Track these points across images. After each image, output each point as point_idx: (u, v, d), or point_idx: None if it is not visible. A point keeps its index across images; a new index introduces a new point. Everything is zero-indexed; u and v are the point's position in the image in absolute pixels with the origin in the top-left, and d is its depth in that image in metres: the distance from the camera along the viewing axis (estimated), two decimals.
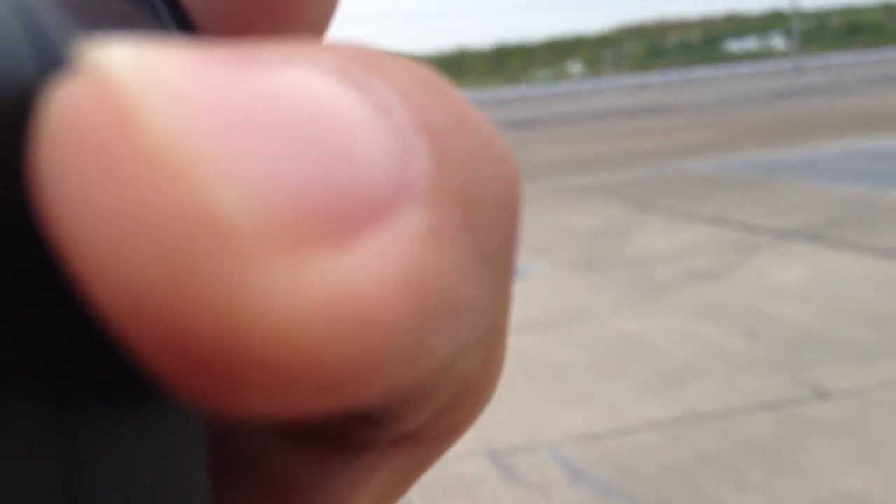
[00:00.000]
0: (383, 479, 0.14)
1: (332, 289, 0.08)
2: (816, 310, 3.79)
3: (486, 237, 0.10)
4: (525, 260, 5.27)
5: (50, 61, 0.09)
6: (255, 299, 0.08)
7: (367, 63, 0.09)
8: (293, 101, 0.08)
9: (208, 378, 0.08)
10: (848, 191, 6.64)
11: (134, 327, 0.08)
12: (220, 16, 0.17)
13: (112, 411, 0.09)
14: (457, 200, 0.09)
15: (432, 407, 0.12)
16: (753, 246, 5.10)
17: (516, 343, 3.65)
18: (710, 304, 4.01)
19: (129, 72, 0.08)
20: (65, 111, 0.08)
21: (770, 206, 6.31)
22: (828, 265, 4.50)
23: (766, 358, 3.29)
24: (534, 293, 4.49)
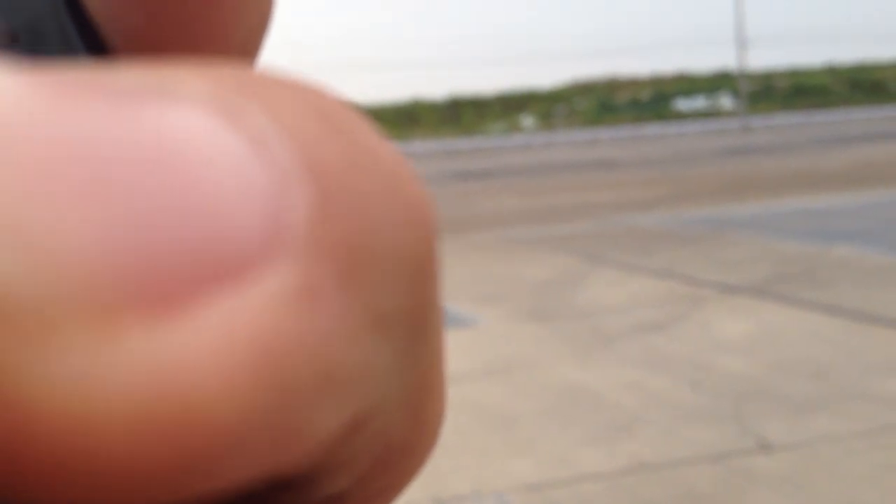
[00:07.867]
0: None
1: (149, 371, 0.07)
2: (761, 363, 3.84)
3: (383, 293, 0.08)
4: (475, 309, 5.28)
5: None
6: (37, 389, 0.06)
7: (247, 89, 0.08)
8: (131, 133, 0.07)
9: None
10: (793, 247, 6.76)
11: None
12: (136, 36, 0.16)
13: None
14: (340, 252, 0.08)
15: (353, 471, 0.10)
16: (700, 299, 5.16)
17: (465, 391, 3.64)
18: (657, 356, 4.04)
19: None
20: None
21: (717, 261, 6.40)
22: (772, 319, 4.57)
23: (711, 410, 3.31)
24: (483, 342, 4.49)
